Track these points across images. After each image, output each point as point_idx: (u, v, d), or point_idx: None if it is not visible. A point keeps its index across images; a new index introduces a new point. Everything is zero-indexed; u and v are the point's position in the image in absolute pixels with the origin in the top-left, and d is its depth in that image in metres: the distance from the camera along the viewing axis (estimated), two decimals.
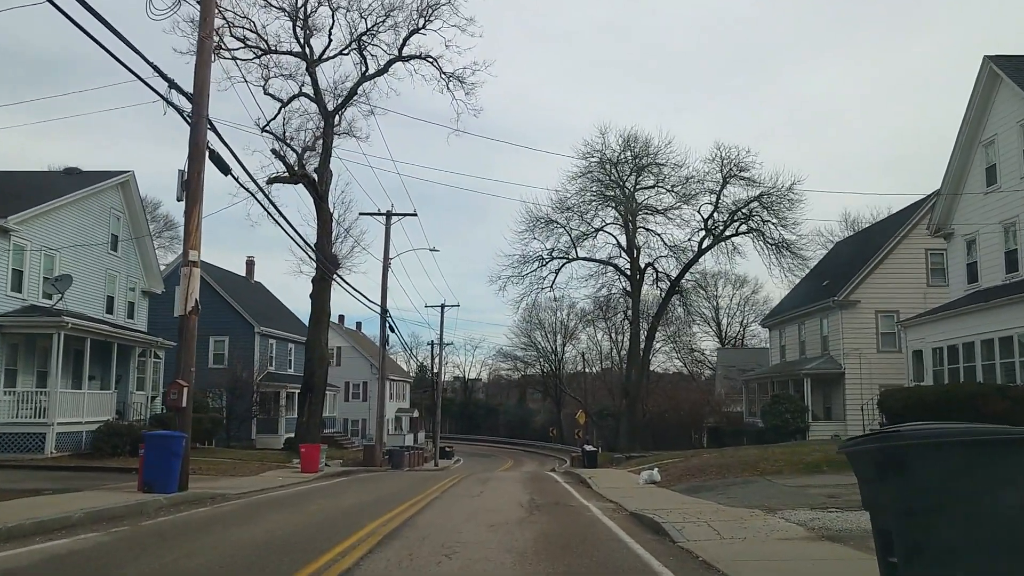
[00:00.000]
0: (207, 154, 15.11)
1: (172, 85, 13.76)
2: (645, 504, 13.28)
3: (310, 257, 28.98)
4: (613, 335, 70.09)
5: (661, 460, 25.80)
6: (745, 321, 73.47)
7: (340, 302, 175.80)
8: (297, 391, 39.88)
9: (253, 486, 17.41)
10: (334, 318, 71.29)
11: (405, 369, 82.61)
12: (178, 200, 14.28)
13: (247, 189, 17.46)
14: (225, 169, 15.74)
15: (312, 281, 30.62)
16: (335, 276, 29.06)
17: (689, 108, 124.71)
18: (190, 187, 14.23)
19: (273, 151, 29.72)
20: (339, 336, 68.46)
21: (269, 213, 20.23)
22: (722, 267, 71.68)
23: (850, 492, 14.87)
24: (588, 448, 35.83)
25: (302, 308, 46.08)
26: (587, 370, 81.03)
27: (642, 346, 44.17)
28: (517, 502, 14.33)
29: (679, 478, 19.25)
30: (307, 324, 34.32)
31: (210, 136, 15.33)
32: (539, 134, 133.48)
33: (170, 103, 13.83)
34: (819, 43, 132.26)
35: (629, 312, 45.23)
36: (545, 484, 20.78)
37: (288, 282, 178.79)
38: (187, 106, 14.56)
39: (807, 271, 44.19)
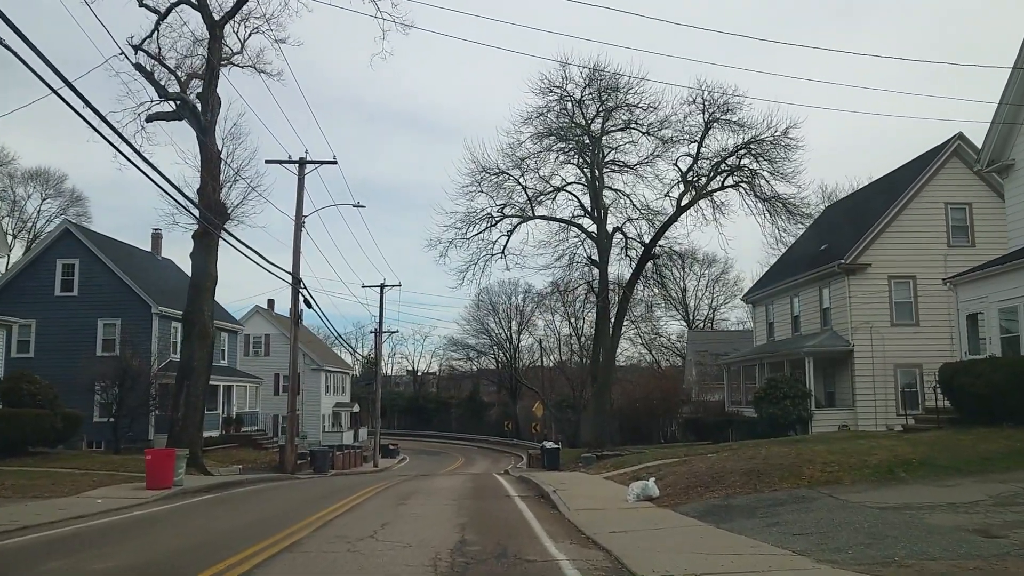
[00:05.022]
0: None
1: None
2: (664, 558, 7.10)
3: (179, 203, 22.13)
4: (573, 320, 63.92)
5: (646, 461, 19.64)
6: (715, 303, 68.06)
7: (269, 286, 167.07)
8: (213, 383, 32.98)
9: (18, 523, 10.78)
10: (263, 303, 64.88)
11: (349, 361, 75.68)
12: None
13: (47, 59, 10.57)
14: None
15: (193, 237, 23.75)
16: (222, 230, 22.21)
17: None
18: None
19: (138, 66, 22.48)
20: (269, 323, 61.72)
21: (84, 116, 13.04)
22: (702, 229, 65.87)
23: (1006, 522, 8.20)
24: (549, 445, 29.77)
25: (223, 289, 38.75)
26: (544, 361, 74.91)
27: (611, 322, 37.64)
28: (432, 555, 7.97)
29: (685, 491, 13.14)
30: (215, 302, 27.41)
31: None
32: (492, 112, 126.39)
33: None
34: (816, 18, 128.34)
35: (595, 283, 38.45)
36: (490, 503, 14.42)
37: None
38: None
39: (791, 242, 38.53)
